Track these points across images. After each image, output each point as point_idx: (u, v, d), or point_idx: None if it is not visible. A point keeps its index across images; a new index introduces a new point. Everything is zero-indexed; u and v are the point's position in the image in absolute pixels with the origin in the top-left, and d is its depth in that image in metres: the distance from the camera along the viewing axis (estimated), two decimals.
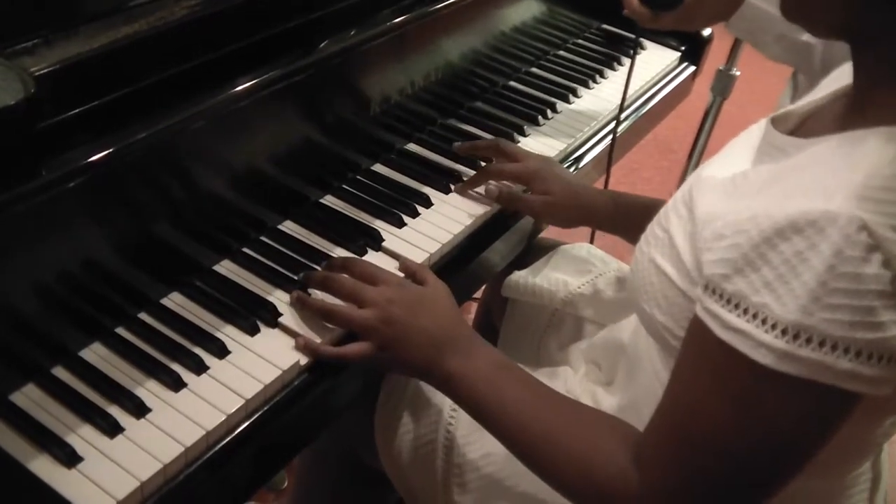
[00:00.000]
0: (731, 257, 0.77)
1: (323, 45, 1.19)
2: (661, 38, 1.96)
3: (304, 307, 1.10)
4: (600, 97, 1.71)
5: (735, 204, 0.82)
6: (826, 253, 0.71)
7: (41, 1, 0.99)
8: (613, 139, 1.58)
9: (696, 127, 2.37)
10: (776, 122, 0.94)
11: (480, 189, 1.39)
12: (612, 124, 1.60)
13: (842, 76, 0.95)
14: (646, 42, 1.95)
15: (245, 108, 1.10)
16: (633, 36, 1.91)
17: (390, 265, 1.20)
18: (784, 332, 0.73)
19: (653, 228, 0.99)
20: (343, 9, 1.24)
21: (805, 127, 0.95)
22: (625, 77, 1.59)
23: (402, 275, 1.16)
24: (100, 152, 0.95)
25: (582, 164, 1.58)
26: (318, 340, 1.07)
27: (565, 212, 1.38)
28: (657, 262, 0.94)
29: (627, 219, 1.33)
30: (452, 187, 1.38)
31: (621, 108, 1.55)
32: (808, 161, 0.81)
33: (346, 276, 1.11)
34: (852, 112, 0.85)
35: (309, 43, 1.18)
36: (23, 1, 0.97)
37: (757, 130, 0.97)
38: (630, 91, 1.75)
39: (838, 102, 0.91)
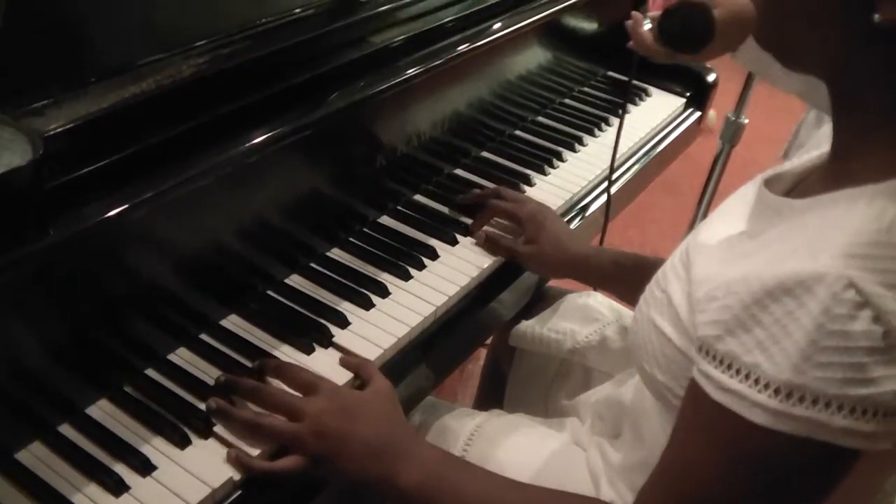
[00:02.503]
0: (723, 318, 0.78)
1: (329, 99, 1.20)
2: (666, 84, 1.97)
3: (227, 419, 1.03)
4: (606, 145, 1.71)
5: (729, 265, 0.83)
6: (814, 311, 0.72)
7: (50, 61, 0.99)
8: (608, 199, 1.57)
9: (704, 167, 2.38)
10: (769, 183, 0.94)
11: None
12: (615, 175, 1.61)
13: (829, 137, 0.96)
14: (650, 88, 1.96)
15: (250, 165, 1.11)
16: (640, 83, 1.93)
17: (394, 321, 1.21)
18: (777, 391, 0.73)
19: (652, 289, 0.99)
20: (349, 63, 1.25)
21: (798, 188, 0.96)
22: (633, 124, 1.60)
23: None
24: (108, 211, 0.95)
25: (589, 212, 1.59)
26: (255, 452, 1.01)
27: (552, 263, 1.39)
28: (656, 322, 0.94)
29: (615, 276, 1.34)
30: (459, 238, 1.38)
31: (612, 170, 1.55)
32: (798, 223, 0.82)
33: (274, 386, 1.08)
34: (838, 170, 0.85)
35: (315, 98, 1.19)
36: (32, 62, 0.98)
37: (752, 190, 0.97)
38: (636, 138, 1.78)
39: (827, 162, 0.91)
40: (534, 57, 1.70)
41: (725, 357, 0.77)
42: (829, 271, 0.72)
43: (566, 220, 1.54)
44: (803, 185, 0.95)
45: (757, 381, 0.74)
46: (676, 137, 1.89)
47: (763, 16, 0.88)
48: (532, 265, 1.42)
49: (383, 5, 1.33)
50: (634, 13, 1.44)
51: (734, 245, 0.89)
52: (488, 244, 1.39)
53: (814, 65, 0.86)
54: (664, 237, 2.92)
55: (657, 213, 3.03)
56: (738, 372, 0.76)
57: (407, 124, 1.40)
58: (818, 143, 1.01)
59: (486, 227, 1.42)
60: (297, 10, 1.24)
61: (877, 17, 0.75)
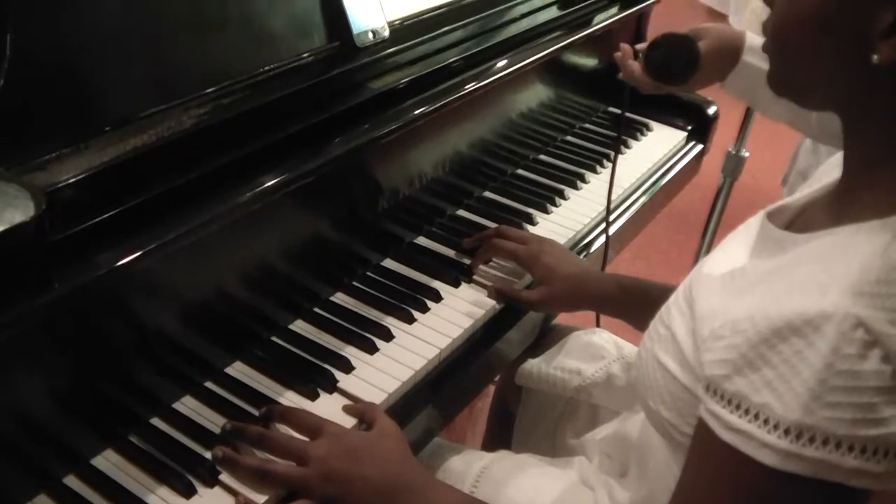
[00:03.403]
0: (731, 358, 0.78)
1: (331, 146, 1.20)
2: (667, 118, 1.98)
3: (233, 467, 1.03)
4: (608, 181, 1.72)
5: (734, 301, 0.83)
6: (824, 351, 0.72)
7: (51, 116, 1.00)
8: (606, 239, 1.57)
9: (710, 198, 2.38)
10: (772, 216, 0.95)
11: (494, 281, 1.41)
12: (618, 210, 1.62)
13: (835, 167, 0.96)
14: (651, 123, 1.97)
15: (253, 213, 1.12)
16: (640, 118, 1.94)
17: (398, 365, 1.21)
18: (787, 431, 0.73)
19: (655, 325, 0.99)
20: (350, 108, 1.25)
21: (801, 220, 0.96)
22: (635, 158, 1.60)
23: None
24: (112, 263, 0.96)
25: (592, 249, 1.59)
26: (262, 499, 1.01)
27: (567, 300, 1.38)
28: (660, 358, 0.94)
29: (632, 304, 1.33)
30: (462, 280, 1.39)
31: (608, 211, 1.55)
32: (803, 258, 0.82)
33: (279, 432, 1.08)
34: (844, 204, 0.86)
35: (317, 144, 1.19)
36: (34, 117, 0.99)
37: (755, 224, 0.98)
38: (638, 172, 1.78)
39: (831, 195, 0.92)
40: (535, 95, 1.72)
41: (734, 397, 0.77)
42: (837, 310, 0.72)
43: None
44: (805, 217, 0.96)
45: (766, 422, 0.74)
46: (679, 171, 1.90)
47: (774, 62, 0.89)
48: (545, 309, 1.43)
49: (382, 51, 1.34)
50: (623, 45, 1.46)
51: (738, 278, 0.89)
52: (496, 294, 1.39)
53: (826, 103, 0.88)
54: (672, 268, 2.92)
55: (664, 244, 3.03)
56: (746, 412, 0.76)
57: (409, 167, 1.42)
58: (819, 178, 1.02)
59: (490, 275, 1.42)
60: (297, 58, 1.25)
61: (875, 58, 0.77)
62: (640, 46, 1.42)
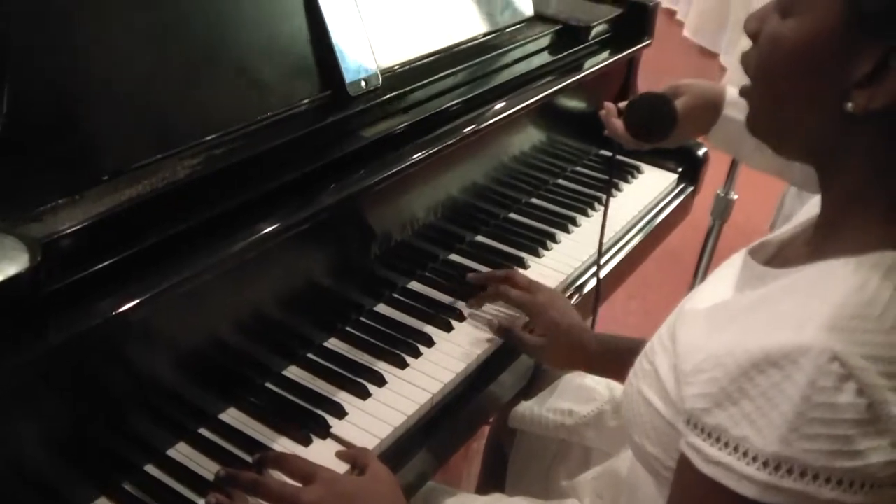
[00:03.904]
0: (711, 391, 0.79)
1: (324, 194, 1.22)
2: (658, 160, 2.00)
3: None
4: (599, 226, 1.73)
5: (715, 336, 0.85)
6: (801, 383, 0.73)
7: (47, 168, 1.02)
8: (598, 283, 1.58)
9: (701, 233, 2.39)
10: (754, 253, 0.97)
11: (483, 322, 1.42)
12: (609, 252, 1.63)
13: (814, 206, 0.98)
14: (642, 165, 1.99)
15: (247, 262, 1.13)
16: (631, 161, 1.96)
17: (391, 410, 1.22)
18: (765, 463, 0.75)
19: (640, 361, 1.01)
20: (343, 157, 1.27)
21: (781, 256, 0.98)
22: (627, 201, 1.62)
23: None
24: (106, 313, 0.97)
25: (585, 290, 1.61)
26: None
27: (561, 355, 1.40)
28: (645, 394, 0.95)
29: (621, 363, 1.34)
30: (454, 325, 1.40)
31: (599, 254, 1.56)
32: (781, 293, 0.84)
33: (273, 478, 1.09)
34: (822, 241, 0.88)
35: (310, 193, 1.21)
36: (30, 169, 1.01)
37: (737, 260, 1.00)
38: (629, 215, 1.80)
39: (810, 231, 0.94)
40: (526, 139, 1.74)
41: (714, 430, 0.79)
42: (813, 344, 0.74)
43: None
44: (785, 253, 0.98)
45: (745, 454, 0.76)
46: (670, 212, 1.91)
47: (753, 103, 0.92)
48: (540, 358, 1.44)
49: (375, 99, 1.36)
50: (607, 104, 1.49)
51: (719, 313, 0.90)
52: (498, 329, 1.40)
53: (802, 149, 0.91)
54: (667, 306, 2.91)
55: (658, 282, 3.04)
56: (726, 444, 0.78)
57: (401, 213, 1.43)
58: (800, 215, 1.04)
59: (490, 313, 1.44)
60: (291, 107, 1.27)
61: (849, 105, 0.80)
62: (623, 104, 1.44)
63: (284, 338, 1.28)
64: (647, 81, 2.03)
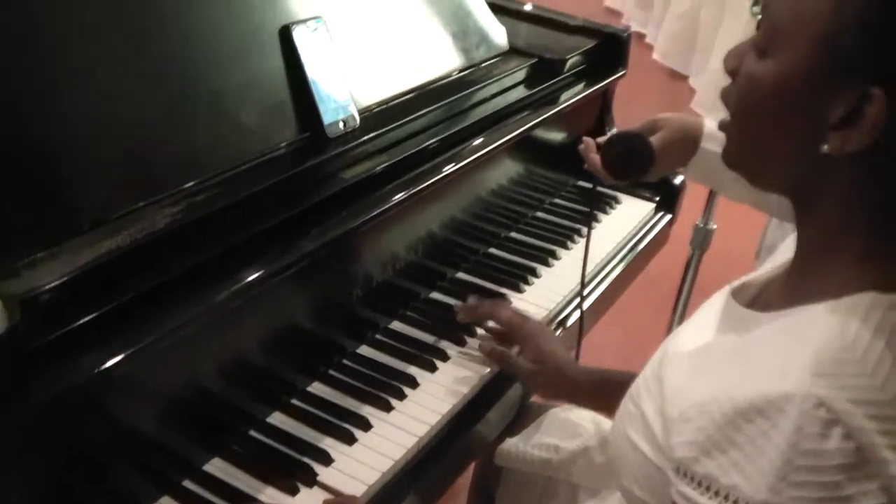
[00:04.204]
0: (699, 440, 0.80)
1: (306, 240, 1.21)
2: (635, 190, 2.00)
3: None
4: (579, 257, 1.73)
5: (700, 382, 0.85)
6: (787, 431, 0.74)
7: (24, 222, 1.00)
8: (581, 315, 1.58)
9: (682, 263, 2.40)
10: (736, 294, 0.98)
11: (471, 364, 1.41)
12: (591, 284, 1.63)
13: (792, 245, 0.99)
14: (621, 196, 1.99)
15: (230, 310, 1.12)
16: (608, 191, 1.96)
17: (377, 455, 1.21)
18: None
19: (626, 404, 1.01)
20: (324, 200, 1.26)
21: (763, 298, 0.99)
22: (606, 232, 1.61)
23: None
24: (89, 370, 0.96)
25: (569, 324, 1.60)
26: None
27: (549, 385, 1.40)
28: (632, 438, 0.95)
29: (607, 396, 1.34)
30: (438, 364, 1.39)
31: (582, 285, 1.56)
32: (764, 339, 0.85)
33: None
34: (801, 283, 0.89)
35: (291, 239, 1.20)
36: (5, 223, 0.99)
37: (719, 300, 1.00)
38: (609, 246, 1.80)
39: (789, 273, 0.94)
40: (503, 172, 1.73)
41: (704, 479, 0.79)
42: (798, 391, 0.75)
43: None
44: (767, 295, 0.99)
45: (736, 502, 0.76)
46: (649, 242, 1.91)
47: (730, 138, 0.93)
48: (530, 385, 1.43)
49: (354, 140, 1.36)
50: (586, 139, 1.48)
51: (703, 357, 0.91)
52: (489, 352, 1.41)
53: (778, 184, 0.92)
54: (647, 333, 2.91)
55: (638, 309, 3.04)
56: (717, 493, 0.78)
57: (382, 252, 1.42)
58: (780, 254, 1.05)
59: (486, 342, 1.44)
60: (270, 151, 1.27)
61: (825, 147, 0.81)
62: (601, 140, 1.44)
63: (268, 384, 1.27)
64: (619, 103, 2.04)
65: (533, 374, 1.39)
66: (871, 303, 0.80)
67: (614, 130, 1.95)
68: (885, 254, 0.84)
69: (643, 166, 1.37)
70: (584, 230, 1.81)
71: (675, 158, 1.43)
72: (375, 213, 1.30)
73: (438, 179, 1.42)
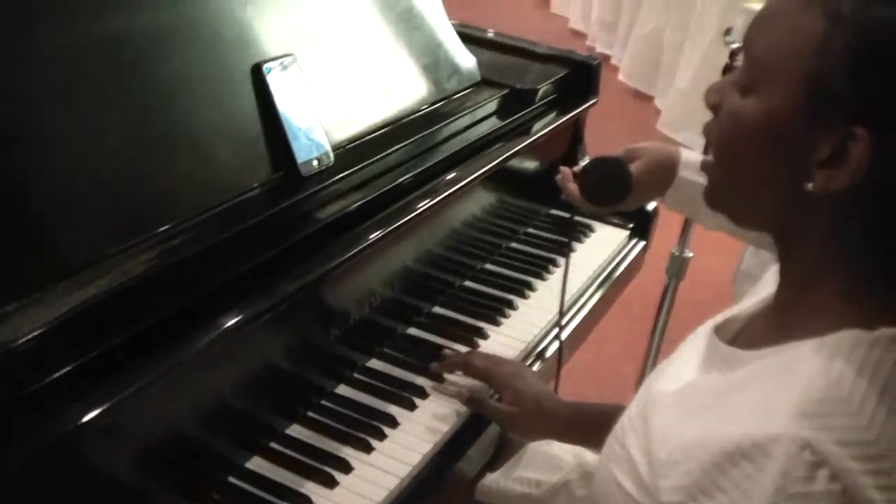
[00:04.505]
0: (685, 484, 0.79)
1: (284, 282, 1.19)
2: (609, 217, 2.00)
3: None
4: (555, 288, 1.72)
5: (686, 422, 0.85)
6: (774, 475, 0.73)
7: None
8: (560, 346, 1.57)
9: (655, 284, 2.40)
10: (719, 330, 0.97)
11: (449, 397, 1.40)
12: (568, 314, 1.62)
13: (773, 280, 0.98)
14: (595, 224, 1.99)
15: (210, 356, 1.10)
16: (582, 220, 1.96)
17: (359, 498, 1.19)
18: None
19: (611, 444, 1.00)
20: (301, 240, 1.25)
21: (746, 335, 0.98)
22: (581, 261, 1.61)
23: None
24: (73, 422, 0.94)
25: (547, 355, 1.59)
26: None
27: (531, 424, 1.38)
28: (617, 478, 0.94)
29: (588, 429, 1.33)
30: (417, 403, 1.37)
31: (561, 314, 1.55)
32: (748, 380, 0.84)
33: None
34: (784, 322, 0.88)
35: (269, 281, 1.18)
36: None
37: (703, 336, 1.00)
38: (584, 276, 1.80)
39: (771, 310, 0.94)
40: (477, 204, 1.72)
41: None
42: (783, 433, 0.74)
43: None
44: (751, 331, 0.98)
45: None
46: (624, 269, 1.91)
47: (712, 177, 0.93)
48: (510, 427, 1.42)
49: (328, 178, 1.35)
50: (563, 168, 1.48)
51: (688, 397, 0.90)
52: (467, 400, 1.38)
53: (761, 223, 0.92)
54: (621, 358, 2.92)
55: (611, 334, 3.04)
56: None
57: (358, 290, 1.40)
58: (762, 288, 1.04)
59: (463, 390, 1.42)
60: (244, 192, 1.26)
61: (809, 186, 0.81)
62: (578, 168, 1.43)
63: (246, 429, 1.25)
64: (588, 125, 2.04)
65: (511, 417, 1.37)
66: (855, 340, 0.80)
67: (587, 158, 1.95)
68: (869, 291, 0.84)
69: (622, 191, 1.36)
70: (560, 260, 1.81)
71: (652, 187, 1.43)
72: (351, 253, 1.28)
73: (414, 216, 1.40)
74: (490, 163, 1.62)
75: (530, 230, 1.93)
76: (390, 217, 1.36)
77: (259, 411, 1.27)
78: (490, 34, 2.04)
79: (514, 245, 1.86)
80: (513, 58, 1.98)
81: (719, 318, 1.02)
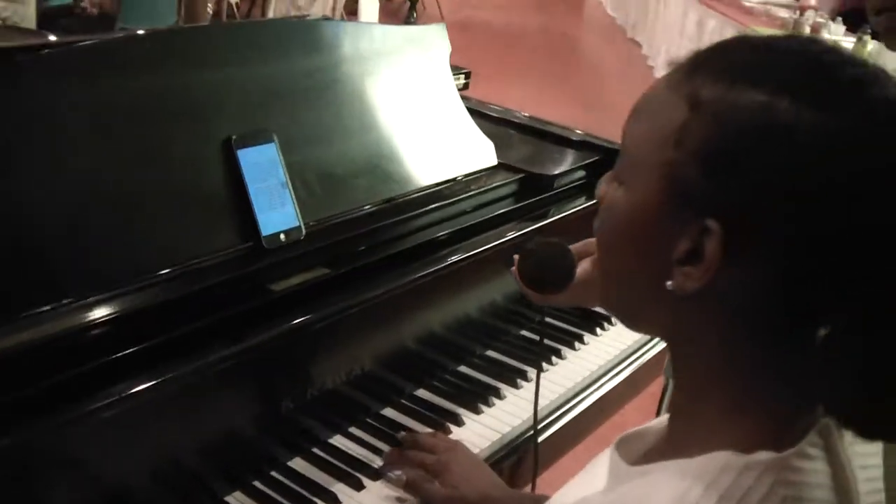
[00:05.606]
0: None
1: (252, 336, 1.22)
2: None
3: None
4: (553, 380, 1.68)
5: None
6: None
7: None
8: (535, 450, 1.48)
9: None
10: (620, 446, 0.92)
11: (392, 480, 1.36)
12: (554, 411, 1.58)
13: None
14: (586, 336, 1.84)
15: (158, 416, 1.13)
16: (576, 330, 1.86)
17: None
18: None
19: None
20: (249, 310, 1.26)
21: (652, 449, 0.93)
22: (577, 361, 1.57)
23: None
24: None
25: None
26: None
27: None
28: None
29: None
30: (366, 483, 1.35)
31: (536, 421, 1.45)
32: (620, 499, 0.80)
33: None
34: (672, 435, 0.84)
35: (238, 336, 1.21)
36: None
37: (606, 452, 0.95)
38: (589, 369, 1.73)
39: (668, 424, 0.89)
40: (475, 288, 1.69)
41: None
42: None
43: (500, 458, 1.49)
44: (655, 448, 0.93)
45: None
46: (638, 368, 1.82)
47: (598, 277, 0.89)
48: None
49: (292, 252, 1.36)
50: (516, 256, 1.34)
51: None
52: (406, 486, 1.35)
53: (650, 327, 0.88)
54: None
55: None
56: None
57: (322, 363, 1.39)
58: None
59: (408, 472, 1.39)
60: (199, 259, 1.28)
61: (669, 284, 0.76)
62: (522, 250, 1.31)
63: (188, 493, 1.24)
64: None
65: (449, 501, 1.33)
66: (724, 465, 0.74)
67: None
68: (750, 409, 0.78)
69: (560, 278, 1.24)
70: (564, 350, 1.75)
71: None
72: (291, 325, 1.28)
73: (370, 298, 1.39)
74: (470, 252, 1.58)
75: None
76: (350, 295, 1.36)
77: (208, 477, 1.27)
78: (525, 119, 2.04)
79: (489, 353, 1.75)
80: (544, 142, 1.97)
81: (629, 431, 0.96)
